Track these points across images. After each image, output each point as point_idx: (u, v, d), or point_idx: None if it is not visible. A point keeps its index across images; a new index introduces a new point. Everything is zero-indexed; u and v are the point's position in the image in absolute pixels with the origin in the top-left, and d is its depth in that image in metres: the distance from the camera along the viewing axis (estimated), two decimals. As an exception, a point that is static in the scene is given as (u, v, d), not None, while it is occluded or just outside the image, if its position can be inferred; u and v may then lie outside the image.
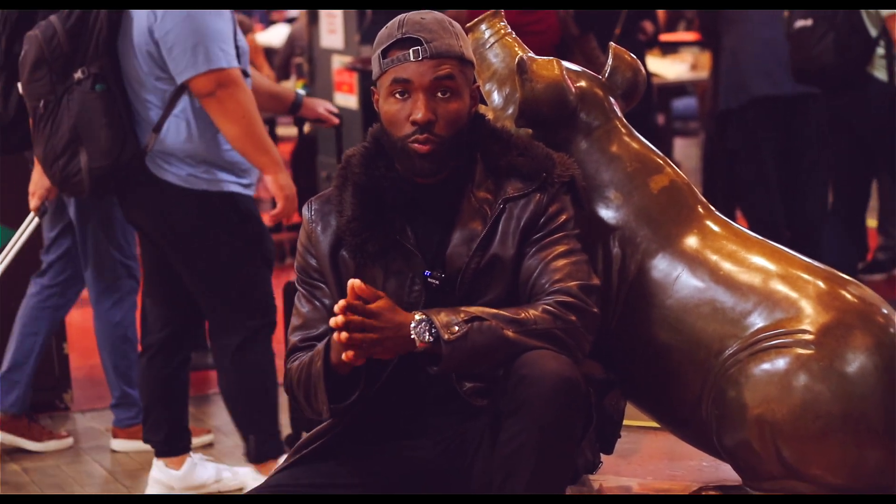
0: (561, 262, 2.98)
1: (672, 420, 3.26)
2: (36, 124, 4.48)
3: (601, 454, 3.16)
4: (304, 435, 3.18)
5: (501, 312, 2.90)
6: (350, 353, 2.82)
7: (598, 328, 3.00)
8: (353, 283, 2.84)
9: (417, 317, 2.86)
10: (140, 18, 4.43)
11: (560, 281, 2.96)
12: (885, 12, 5.92)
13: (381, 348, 2.85)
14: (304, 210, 3.13)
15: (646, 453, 3.56)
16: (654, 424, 3.44)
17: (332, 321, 2.83)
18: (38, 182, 4.91)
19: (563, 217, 3.04)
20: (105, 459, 4.97)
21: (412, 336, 2.84)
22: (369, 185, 3.03)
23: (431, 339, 2.84)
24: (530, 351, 2.86)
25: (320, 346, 2.96)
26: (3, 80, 4.82)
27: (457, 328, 2.84)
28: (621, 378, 3.19)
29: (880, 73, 6.02)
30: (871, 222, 7.32)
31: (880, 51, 5.96)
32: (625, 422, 3.22)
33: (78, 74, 4.43)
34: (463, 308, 2.90)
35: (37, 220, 5.03)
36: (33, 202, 4.94)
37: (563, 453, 2.87)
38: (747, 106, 6.61)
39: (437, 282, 3.00)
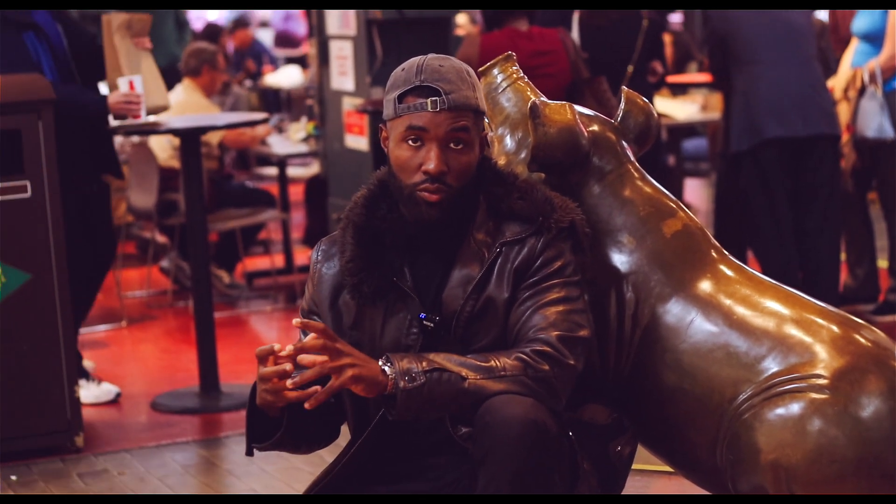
0: (549, 311, 2.95)
1: (686, 464, 3.24)
2: None
3: (606, 501, 3.12)
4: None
5: (470, 360, 2.87)
6: (307, 398, 2.80)
7: (574, 380, 2.94)
8: (302, 323, 2.83)
9: (381, 361, 2.84)
10: None
11: (542, 330, 2.93)
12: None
13: (359, 382, 2.80)
14: (313, 251, 3.14)
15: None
16: (668, 468, 3.43)
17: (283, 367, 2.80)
18: None
19: (559, 263, 3.00)
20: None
21: (384, 369, 2.82)
22: (368, 226, 3.03)
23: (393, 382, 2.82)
24: (494, 396, 2.83)
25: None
26: None
27: (415, 378, 2.82)
28: (634, 422, 3.18)
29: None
30: (883, 263, 7.30)
31: None
32: (637, 466, 3.20)
33: None
34: (430, 356, 2.87)
35: None
36: None
37: (540, 495, 2.81)
38: (759, 148, 6.60)
39: (432, 324, 2.98)
